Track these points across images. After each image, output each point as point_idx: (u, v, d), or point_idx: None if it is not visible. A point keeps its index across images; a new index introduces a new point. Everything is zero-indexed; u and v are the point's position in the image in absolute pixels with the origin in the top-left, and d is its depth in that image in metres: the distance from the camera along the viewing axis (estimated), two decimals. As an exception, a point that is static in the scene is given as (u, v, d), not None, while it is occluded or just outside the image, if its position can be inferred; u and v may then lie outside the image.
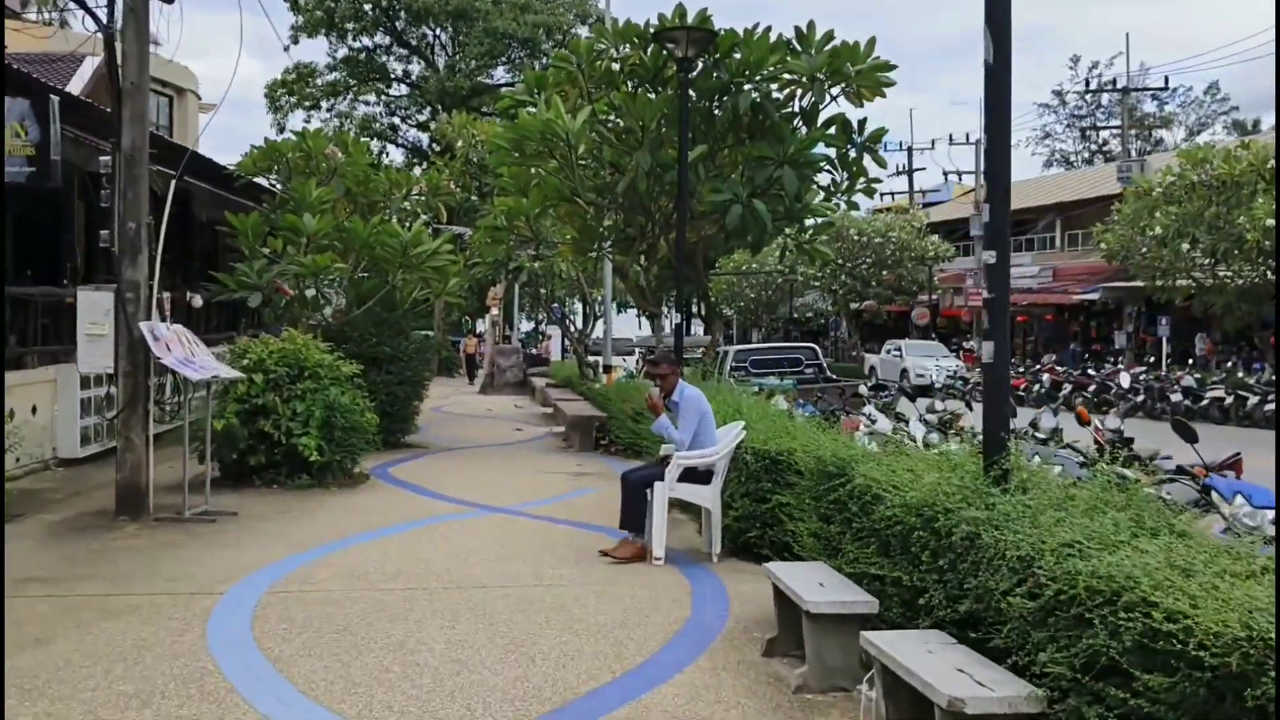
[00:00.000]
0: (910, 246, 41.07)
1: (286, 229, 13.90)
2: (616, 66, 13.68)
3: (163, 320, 9.22)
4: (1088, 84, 55.27)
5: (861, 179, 13.90)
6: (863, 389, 14.85)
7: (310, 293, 14.16)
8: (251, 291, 13.70)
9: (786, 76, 13.05)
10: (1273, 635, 2.84)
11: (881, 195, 57.42)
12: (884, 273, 41.60)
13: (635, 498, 7.91)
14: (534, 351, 35.53)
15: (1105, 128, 59.92)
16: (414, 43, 40.57)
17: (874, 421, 13.44)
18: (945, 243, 42.28)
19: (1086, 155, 65.48)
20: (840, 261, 41.90)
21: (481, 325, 63.43)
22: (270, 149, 15.87)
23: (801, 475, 6.60)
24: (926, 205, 50.29)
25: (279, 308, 14.14)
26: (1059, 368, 31.51)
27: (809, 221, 13.72)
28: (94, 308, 8.76)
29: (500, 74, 41.22)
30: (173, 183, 9.23)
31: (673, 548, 7.87)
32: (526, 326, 51.72)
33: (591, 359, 22.31)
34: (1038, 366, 32.56)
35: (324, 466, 10.69)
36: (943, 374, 30.85)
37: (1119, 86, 49.81)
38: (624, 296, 21.94)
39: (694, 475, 7.81)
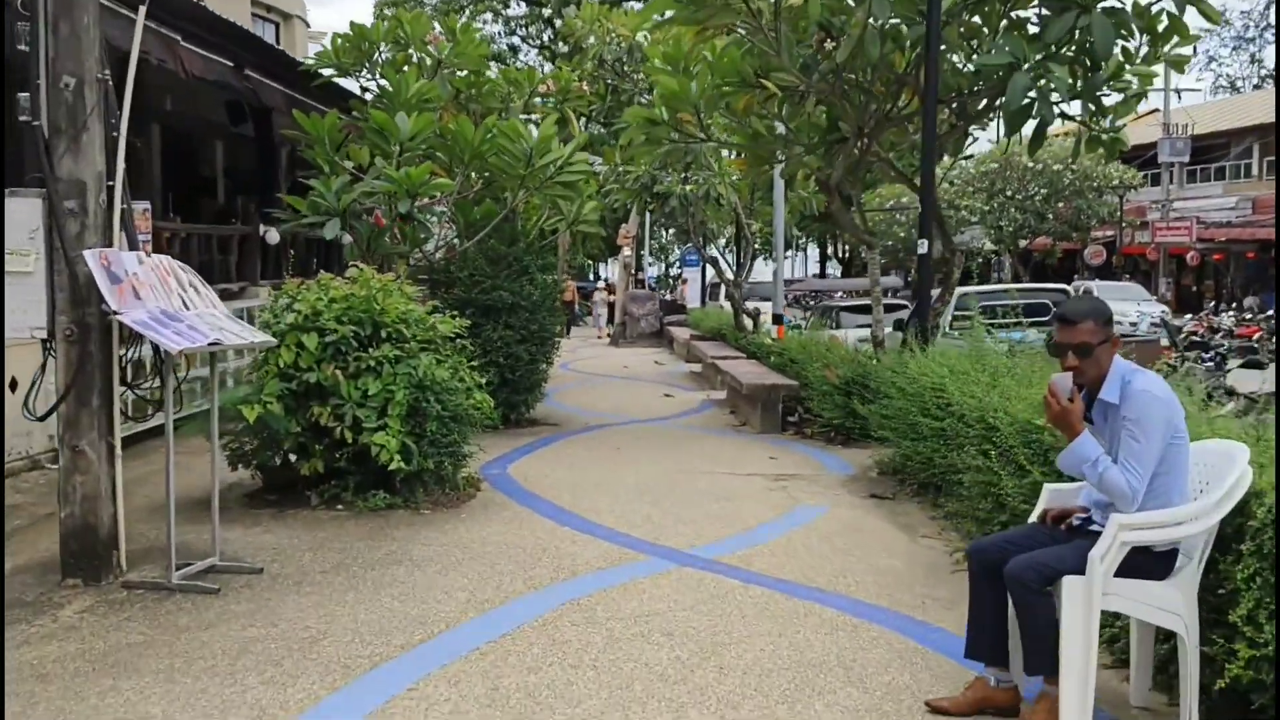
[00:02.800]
0: (1092, 175, 35.51)
1: (374, 132, 10.09)
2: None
3: (134, 248, 5.44)
4: None
5: (1171, 41, 9.25)
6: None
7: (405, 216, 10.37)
8: (328, 219, 9.96)
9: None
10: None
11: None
12: (1059, 205, 36.17)
13: (996, 604, 3.83)
14: (668, 297, 31.52)
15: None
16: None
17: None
18: (1132, 169, 36.56)
19: (1256, 81, 58.12)
20: (1009, 193, 36.64)
21: (607, 270, 59.42)
22: (358, 35, 12.07)
23: None
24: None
25: (367, 241, 10.37)
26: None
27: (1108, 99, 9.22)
28: (12, 226, 5.03)
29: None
30: (141, 8, 5.35)
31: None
32: (651, 271, 47.72)
33: (752, 306, 18.16)
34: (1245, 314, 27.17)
35: (412, 477, 6.88)
36: (1145, 320, 25.92)
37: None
38: (789, 231, 17.66)
39: (1144, 561, 3.65)
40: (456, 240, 11.23)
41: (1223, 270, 38.04)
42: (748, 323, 17.80)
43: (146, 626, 4.74)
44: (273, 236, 13.21)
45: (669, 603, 5.13)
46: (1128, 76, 8.98)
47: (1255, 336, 23.51)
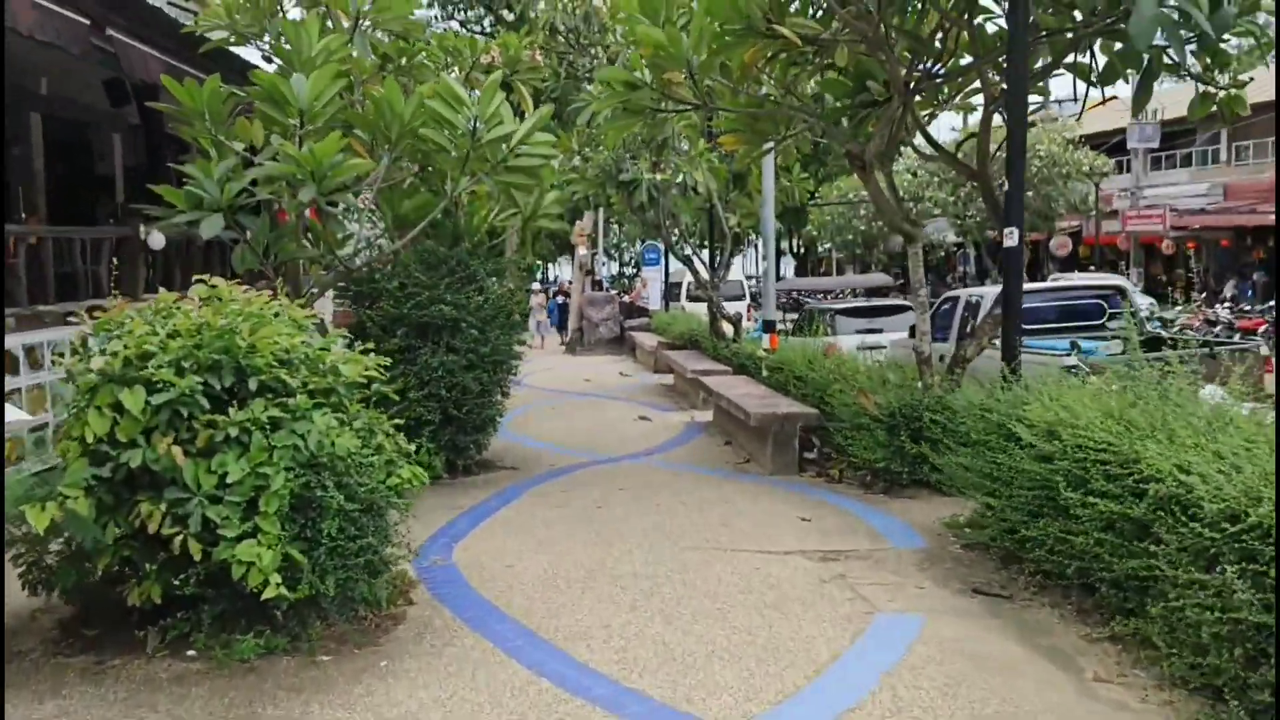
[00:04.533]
0: (1060, 162, 33.74)
1: (264, 99, 7.59)
2: None
3: None
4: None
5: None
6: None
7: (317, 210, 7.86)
8: (206, 214, 7.45)
9: None
10: None
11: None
12: (1028, 194, 34.33)
13: None
14: (627, 299, 29.12)
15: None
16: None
17: None
18: (1102, 155, 34.86)
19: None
20: (974, 185, 34.81)
21: (558, 271, 56.62)
22: (256, -10, 9.54)
23: None
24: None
25: (265, 243, 7.86)
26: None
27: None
28: None
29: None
30: None
31: None
32: (604, 271, 45.30)
33: (732, 309, 15.82)
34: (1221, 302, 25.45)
35: (303, 604, 4.43)
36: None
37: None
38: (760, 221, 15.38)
39: None
40: (384, 241, 8.77)
41: (1194, 259, 36.51)
42: (727, 329, 15.47)
43: None
44: (156, 240, 10.57)
45: None
46: (1261, 16, 6.76)
47: (1261, 330, 21.75)
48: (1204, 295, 28.49)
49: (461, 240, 8.66)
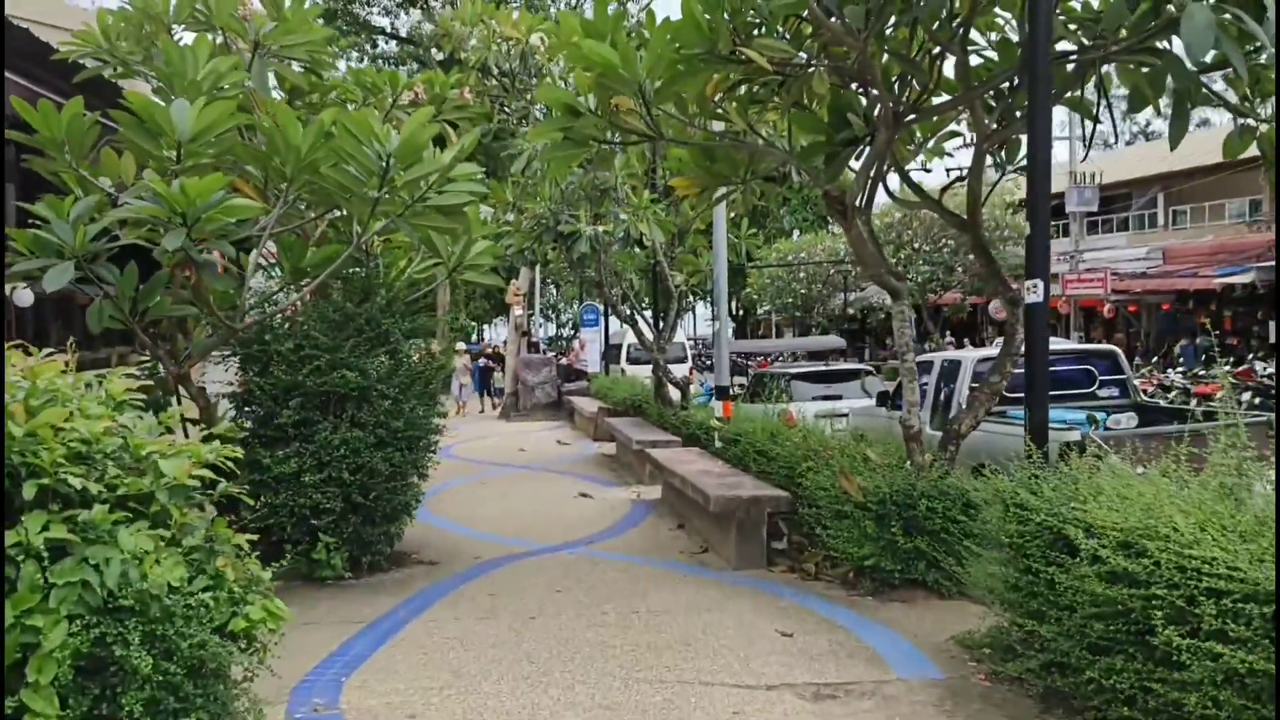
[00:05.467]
0: (1002, 224, 33.41)
1: (135, 127, 6.25)
2: None
3: None
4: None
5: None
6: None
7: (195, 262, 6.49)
8: (57, 261, 6.07)
9: None
10: None
11: (948, 170, 49.88)
12: (969, 257, 33.90)
13: None
14: (564, 362, 27.84)
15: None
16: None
17: None
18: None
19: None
20: (917, 245, 34.34)
21: (493, 333, 55.08)
22: (140, 10, 8.24)
23: None
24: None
25: (130, 296, 6.47)
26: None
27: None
28: None
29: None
30: None
31: None
32: (540, 332, 44.03)
33: (679, 373, 14.62)
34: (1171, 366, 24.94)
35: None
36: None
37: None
38: (706, 279, 14.34)
39: None
40: (280, 295, 7.41)
41: (1134, 322, 36.33)
42: (674, 394, 14.26)
43: None
44: (23, 298, 9.10)
45: None
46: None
47: (1218, 394, 21.11)
48: (1152, 360, 28.02)
49: (373, 295, 7.33)
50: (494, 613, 6.23)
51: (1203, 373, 23.05)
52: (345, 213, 7.36)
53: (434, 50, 13.26)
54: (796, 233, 45.13)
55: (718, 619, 6.01)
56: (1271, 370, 22.31)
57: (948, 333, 38.03)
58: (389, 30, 29.78)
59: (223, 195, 6.07)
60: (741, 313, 54.48)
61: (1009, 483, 4.90)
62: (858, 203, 6.73)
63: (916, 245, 34.26)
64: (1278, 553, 3.24)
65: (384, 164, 6.37)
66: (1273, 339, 29.34)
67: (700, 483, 8.05)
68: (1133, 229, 37.93)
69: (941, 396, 9.68)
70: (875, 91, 6.54)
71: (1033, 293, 5.31)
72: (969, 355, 9.56)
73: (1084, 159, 7.05)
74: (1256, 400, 19.57)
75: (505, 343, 27.61)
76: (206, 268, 6.23)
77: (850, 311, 42.15)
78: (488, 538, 8.71)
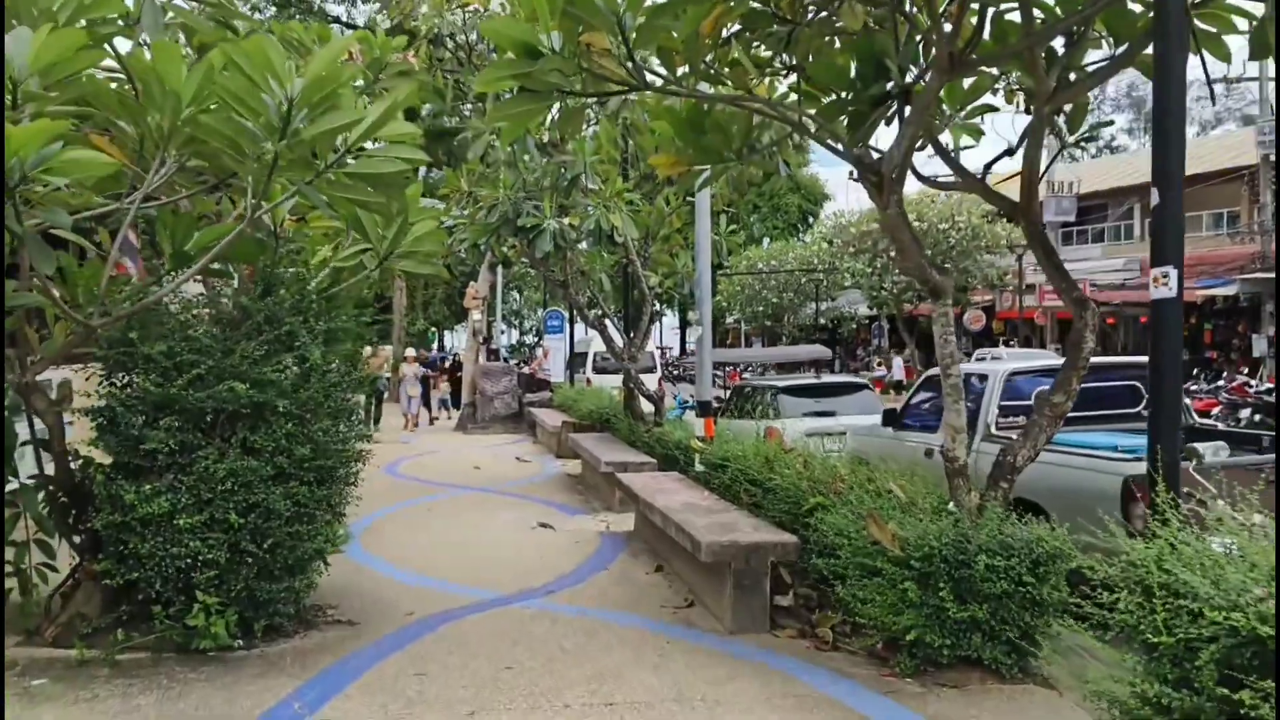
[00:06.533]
0: (980, 234, 32.32)
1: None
2: None
3: None
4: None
5: None
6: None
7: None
8: None
9: None
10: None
11: (921, 179, 48.87)
12: (946, 266, 32.76)
13: None
14: (525, 370, 26.24)
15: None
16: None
17: None
18: (1017, 230, 33.59)
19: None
20: (892, 254, 33.08)
21: (453, 341, 53.07)
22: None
23: None
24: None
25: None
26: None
27: None
28: None
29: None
30: None
31: None
32: (503, 339, 42.38)
33: (669, 386, 13.12)
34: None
35: None
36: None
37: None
38: (680, 282, 12.91)
39: None
40: (158, 284, 5.81)
41: (1110, 334, 35.35)
42: (646, 407, 12.75)
43: None
44: None
45: None
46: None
47: (1215, 411, 19.93)
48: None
49: (276, 288, 5.75)
50: (421, 704, 4.68)
51: (1194, 387, 21.96)
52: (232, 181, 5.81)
53: (379, 19, 11.68)
54: (766, 240, 43.83)
55: (719, 715, 4.49)
56: (1265, 386, 21.26)
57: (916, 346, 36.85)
58: (345, 20, 28.06)
59: (62, 147, 4.50)
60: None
61: (1144, 547, 3.44)
62: (894, 170, 5.25)
63: (892, 254, 33.03)
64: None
65: (285, 110, 4.81)
66: (1255, 352, 28.41)
67: (686, 522, 6.53)
68: (1108, 240, 37.03)
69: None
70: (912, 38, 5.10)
71: (1163, 284, 3.85)
72: (998, 368, 8.13)
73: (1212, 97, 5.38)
74: (1256, 417, 18.47)
75: (444, 355, 25.83)
76: (34, 245, 4.63)
77: (821, 321, 40.93)
78: (427, 583, 7.15)
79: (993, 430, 7.80)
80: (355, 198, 5.37)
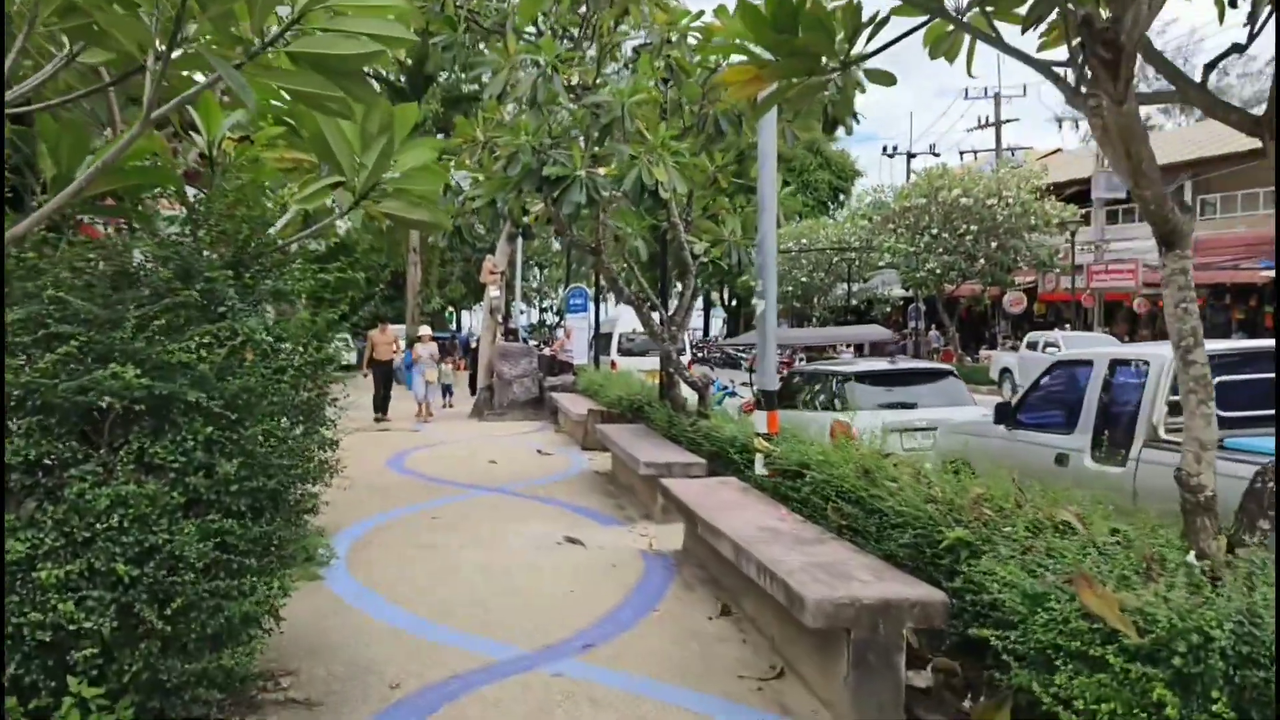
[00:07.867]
0: (1030, 211, 30.28)
1: None
2: None
3: None
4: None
5: None
6: None
7: None
8: None
9: None
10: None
11: (961, 154, 46.73)
12: (993, 245, 30.73)
13: None
14: (546, 352, 24.49)
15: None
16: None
17: None
18: (1072, 206, 31.60)
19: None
20: (935, 231, 31.14)
21: (471, 320, 51.27)
22: None
23: None
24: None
25: None
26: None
27: None
28: None
29: None
30: None
31: None
32: (522, 319, 40.62)
33: (700, 369, 11.32)
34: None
35: None
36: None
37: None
38: (728, 251, 11.03)
39: None
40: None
41: (1154, 319, 33.26)
42: (688, 396, 10.95)
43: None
44: None
45: None
46: None
47: None
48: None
49: (199, 229, 3.96)
50: None
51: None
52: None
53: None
54: (797, 217, 41.82)
55: None
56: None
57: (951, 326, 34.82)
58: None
59: None
60: (735, 302, 51.26)
61: None
62: (1133, 40, 3.40)
63: (935, 231, 31.06)
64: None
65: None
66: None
67: (774, 562, 4.72)
68: (1157, 219, 34.92)
69: (1110, 414, 6.39)
70: None
71: None
72: (1158, 353, 6.25)
73: None
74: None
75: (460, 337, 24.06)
76: None
77: (853, 303, 38.99)
78: (422, 629, 5.38)
79: (1160, 434, 5.95)
80: (299, 88, 3.55)
